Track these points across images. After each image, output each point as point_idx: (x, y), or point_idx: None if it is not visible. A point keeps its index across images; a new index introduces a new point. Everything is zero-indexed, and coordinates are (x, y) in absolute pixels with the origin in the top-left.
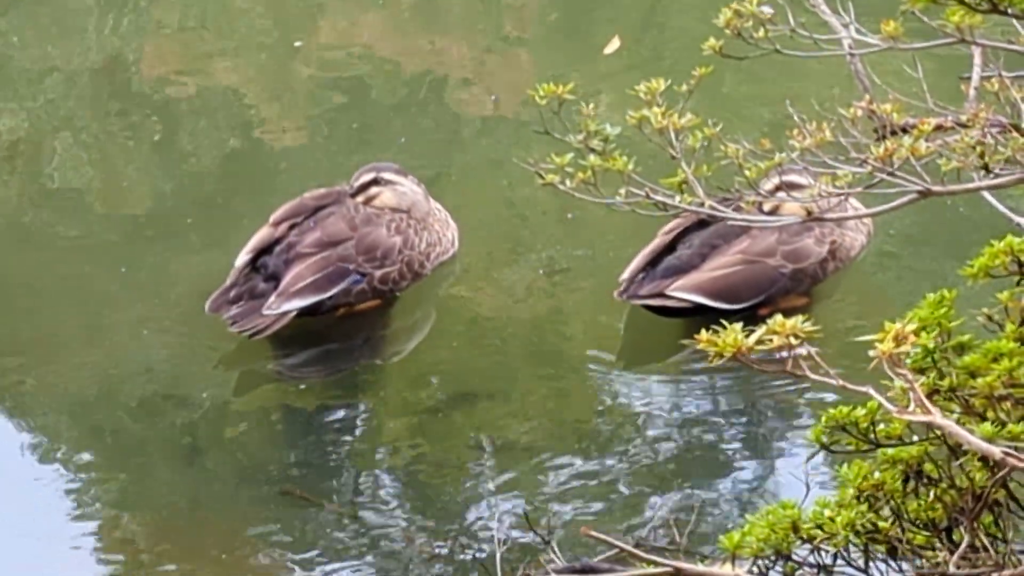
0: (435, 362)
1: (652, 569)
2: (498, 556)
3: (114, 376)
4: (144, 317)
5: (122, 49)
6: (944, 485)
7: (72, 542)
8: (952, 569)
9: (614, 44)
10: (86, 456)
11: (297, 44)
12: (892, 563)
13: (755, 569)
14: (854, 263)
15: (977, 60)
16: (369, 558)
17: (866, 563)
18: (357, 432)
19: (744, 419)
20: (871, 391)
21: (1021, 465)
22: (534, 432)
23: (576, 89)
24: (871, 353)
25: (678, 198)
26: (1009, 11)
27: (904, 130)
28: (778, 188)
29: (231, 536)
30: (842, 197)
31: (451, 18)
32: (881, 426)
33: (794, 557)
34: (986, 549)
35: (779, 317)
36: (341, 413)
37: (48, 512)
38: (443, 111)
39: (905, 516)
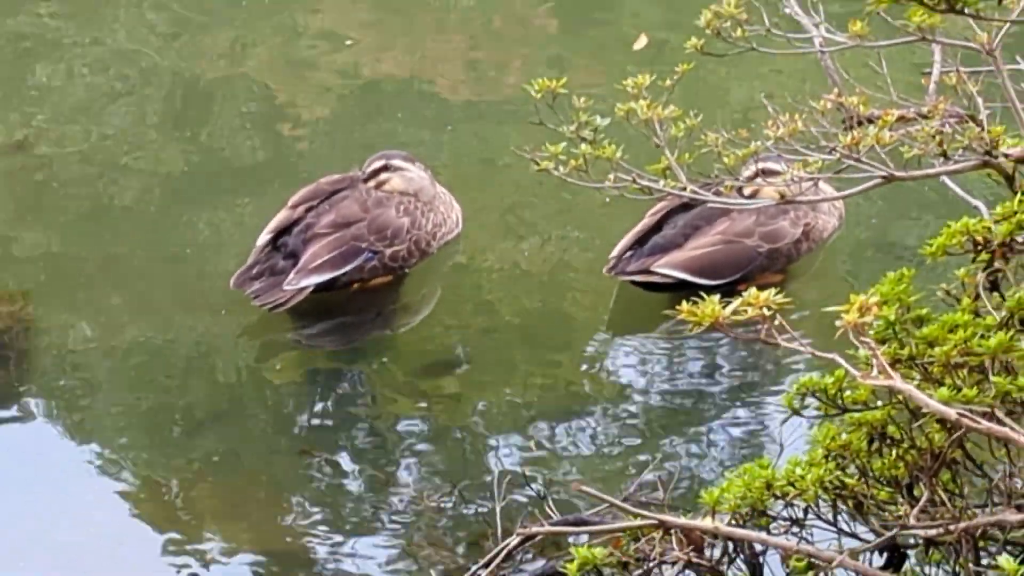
0: (441, 333)
1: (639, 521)
2: (498, 510)
3: (147, 346)
4: (175, 292)
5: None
6: (905, 445)
7: (101, 496)
8: (913, 522)
9: (642, 40)
10: (119, 417)
11: (348, 43)
12: (858, 517)
13: (733, 522)
14: (827, 244)
15: (937, 56)
16: (380, 511)
17: (834, 517)
18: (369, 396)
19: (723, 385)
20: (837, 358)
21: (976, 426)
22: (531, 396)
23: (606, 84)
24: (837, 323)
25: (662, 183)
26: (965, 11)
27: (870, 120)
28: (757, 174)
29: (252, 491)
30: (813, 182)
31: (478, 16)
32: (848, 392)
33: (768, 512)
34: (944, 504)
35: (753, 290)
36: (355, 379)
37: (83, 469)
38: (457, 103)
39: (870, 474)
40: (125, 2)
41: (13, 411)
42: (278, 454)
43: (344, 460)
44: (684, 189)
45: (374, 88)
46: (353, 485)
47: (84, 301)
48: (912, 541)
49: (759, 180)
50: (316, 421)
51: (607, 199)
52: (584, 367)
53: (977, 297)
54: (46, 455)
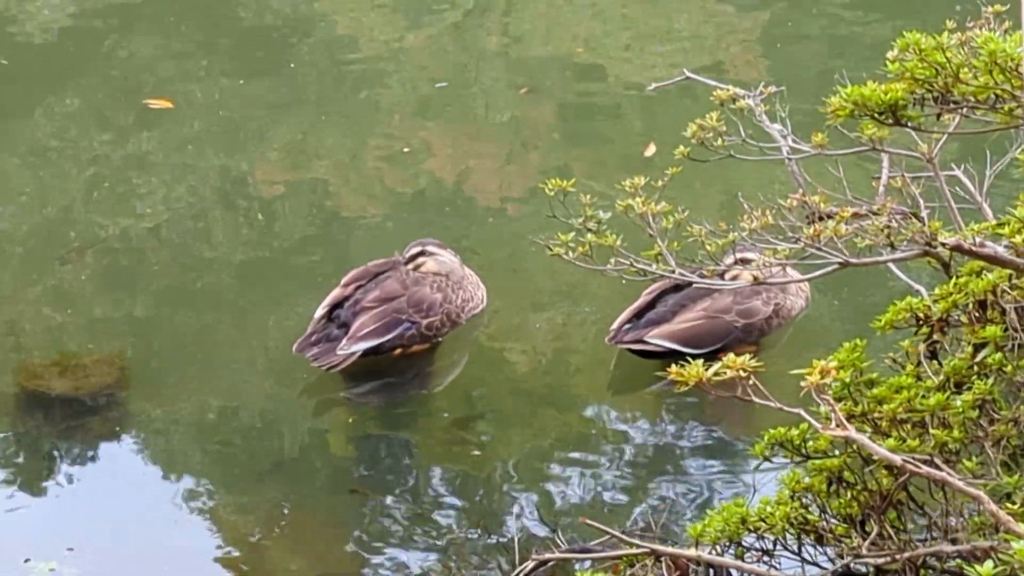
0: (469, 392)
1: (635, 550)
2: (516, 540)
3: (223, 401)
4: (247, 356)
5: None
6: (859, 488)
7: (182, 530)
8: (865, 552)
9: (651, 148)
10: (199, 461)
11: (406, 150)
12: (819, 548)
13: (713, 552)
14: (794, 321)
15: (885, 163)
16: (417, 540)
17: (799, 548)
18: (409, 444)
19: (706, 436)
20: (802, 412)
21: (918, 471)
22: (545, 445)
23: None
24: (802, 384)
25: (655, 266)
26: (908, 124)
27: (829, 216)
28: (736, 262)
29: (312, 524)
30: (781, 267)
31: (510, 130)
32: (810, 442)
33: (743, 543)
34: (891, 537)
35: (731, 355)
36: (397, 430)
37: (167, 506)
38: (489, 201)
39: (829, 511)
40: (197, 119)
41: (112, 454)
42: (333, 493)
43: (389, 498)
44: (673, 272)
45: (420, 188)
46: (396, 519)
47: (170, 363)
48: (864, 569)
49: (736, 267)
50: (364, 465)
51: (623, 280)
52: (589, 421)
53: (919, 364)
54: (137, 493)
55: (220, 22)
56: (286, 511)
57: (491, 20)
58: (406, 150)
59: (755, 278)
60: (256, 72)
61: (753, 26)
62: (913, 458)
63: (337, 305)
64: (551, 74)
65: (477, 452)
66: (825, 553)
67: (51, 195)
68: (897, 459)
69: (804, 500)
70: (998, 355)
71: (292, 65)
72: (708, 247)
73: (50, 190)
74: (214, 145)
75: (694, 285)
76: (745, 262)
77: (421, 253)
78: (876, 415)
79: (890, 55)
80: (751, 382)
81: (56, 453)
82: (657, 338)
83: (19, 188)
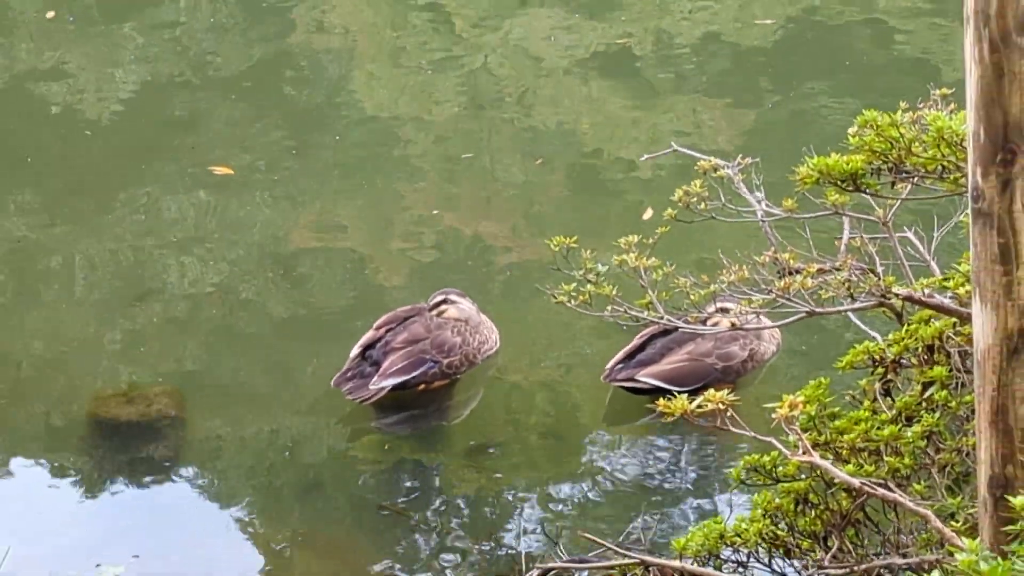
0: (484, 423)
1: (626, 560)
2: (522, 552)
3: (268, 429)
4: (289, 391)
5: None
6: (822, 508)
7: (227, 544)
8: (827, 564)
9: (649, 212)
10: (246, 484)
11: (435, 212)
12: (787, 560)
13: (695, 563)
14: (767, 364)
15: (846, 225)
16: (437, 551)
17: (769, 560)
18: (431, 469)
19: (689, 462)
20: (773, 441)
21: (874, 493)
22: (548, 469)
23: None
24: (773, 416)
25: (646, 313)
26: (866, 191)
27: (797, 271)
28: (717, 311)
29: (344, 537)
30: (756, 315)
31: (522, 199)
32: (780, 468)
33: (721, 556)
34: (850, 552)
35: (711, 391)
36: (420, 456)
37: (214, 523)
38: (504, 257)
39: (796, 528)
40: (254, 186)
41: (171, 473)
42: (364, 511)
43: (411, 514)
44: (662, 318)
45: (444, 245)
46: (417, 532)
47: (223, 395)
48: None
49: (717, 315)
50: (392, 487)
51: (625, 327)
52: (586, 450)
53: (875, 400)
54: (191, 508)
55: (277, 98)
56: (321, 526)
57: (510, 101)
58: (435, 212)
59: (733, 325)
60: (306, 145)
61: (742, 119)
62: (870, 482)
63: (370, 346)
64: (563, 148)
65: (499, 475)
66: (793, 565)
67: (123, 249)
68: (856, 482)
69: (774, 518)
70: (944, 392)
71: (337, 138)
72: (692, 297)
73: (123, 244)
74: (267, 209)
75: (680, 330)
76: (724, 311)
77: (444, 301)
78: (837, 444)
79: (851, 130)
80: (729, 414)
81: (122, 471)
82: (646, 377)
83: (96, 241)
